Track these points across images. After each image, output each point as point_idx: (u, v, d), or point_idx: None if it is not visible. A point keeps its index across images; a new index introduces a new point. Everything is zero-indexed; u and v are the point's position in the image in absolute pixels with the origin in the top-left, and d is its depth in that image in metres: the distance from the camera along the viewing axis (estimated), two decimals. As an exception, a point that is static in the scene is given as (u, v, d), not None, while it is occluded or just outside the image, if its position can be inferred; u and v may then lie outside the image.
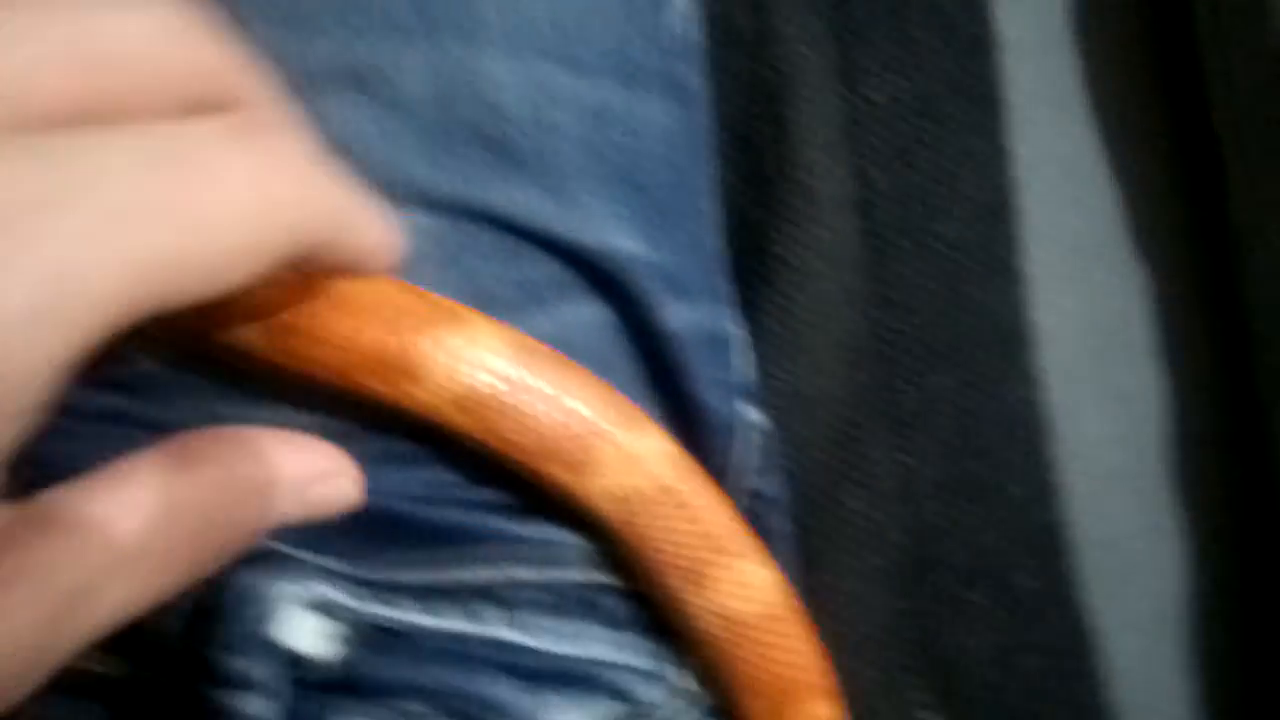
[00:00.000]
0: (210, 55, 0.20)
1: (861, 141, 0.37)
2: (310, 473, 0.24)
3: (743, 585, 0.27)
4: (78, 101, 0.18)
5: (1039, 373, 0.38)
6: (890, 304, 0.38)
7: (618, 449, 0.26)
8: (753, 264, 0.38)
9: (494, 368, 0.26)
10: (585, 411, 0.26)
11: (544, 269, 0.28)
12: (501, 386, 0.26)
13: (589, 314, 0.29)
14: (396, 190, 0.26)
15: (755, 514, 0.33)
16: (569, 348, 0.28)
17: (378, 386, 0.25)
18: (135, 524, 0.20)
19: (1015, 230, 0.38)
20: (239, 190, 0.18)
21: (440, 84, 0.27)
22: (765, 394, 0.37)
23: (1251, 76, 0.34)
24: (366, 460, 0.26)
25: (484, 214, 0.28)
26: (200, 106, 0.19)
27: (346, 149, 0.25)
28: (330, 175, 0.21)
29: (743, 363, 0.34)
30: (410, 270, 0.25)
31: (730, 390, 0.33)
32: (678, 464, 0.27)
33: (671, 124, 0.31)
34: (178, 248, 0.17)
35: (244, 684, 0.26)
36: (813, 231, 0.37)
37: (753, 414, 0.34)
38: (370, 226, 0.22)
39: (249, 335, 0.24)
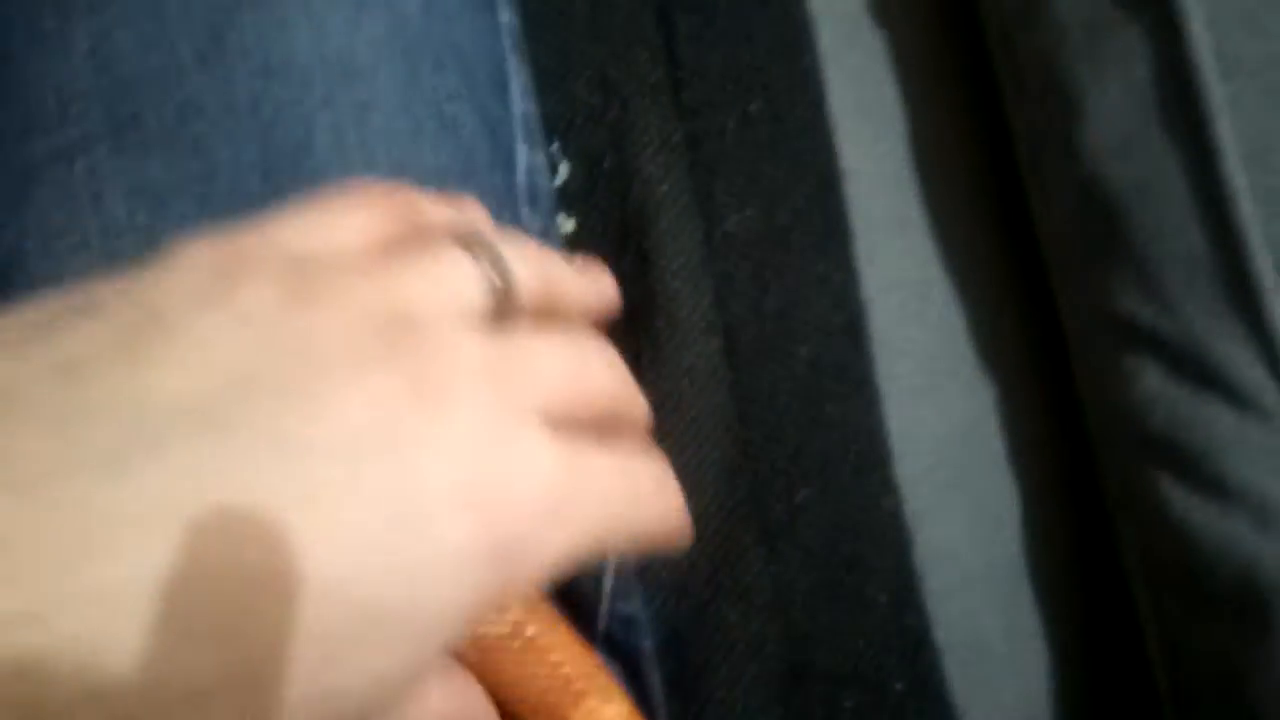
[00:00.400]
0: (631, 387, 0.29)
1: (720, 269, 0.39)
2: None
3: None
4: (567, 408, 0.25)
5: (899, 482, 0.40)
6: (756, 422, 0.40)
7: None
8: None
9: None
10: None
11: None
12: None
13: None
14: None
15: (620, 636, 0.34)
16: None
17: None
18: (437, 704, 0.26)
19: (868, 348, 0.39)
20: (650, 493, 0.27)
21: None
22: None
23: (1064, 204, 0.37)
24: None
25: None
26: (616, 414, 0.28)
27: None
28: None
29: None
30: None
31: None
32: (529, 604, 0.28)
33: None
34: (612, 531, 0.25)
35: None
36: (678, 356, 0.39)
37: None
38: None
39: None
